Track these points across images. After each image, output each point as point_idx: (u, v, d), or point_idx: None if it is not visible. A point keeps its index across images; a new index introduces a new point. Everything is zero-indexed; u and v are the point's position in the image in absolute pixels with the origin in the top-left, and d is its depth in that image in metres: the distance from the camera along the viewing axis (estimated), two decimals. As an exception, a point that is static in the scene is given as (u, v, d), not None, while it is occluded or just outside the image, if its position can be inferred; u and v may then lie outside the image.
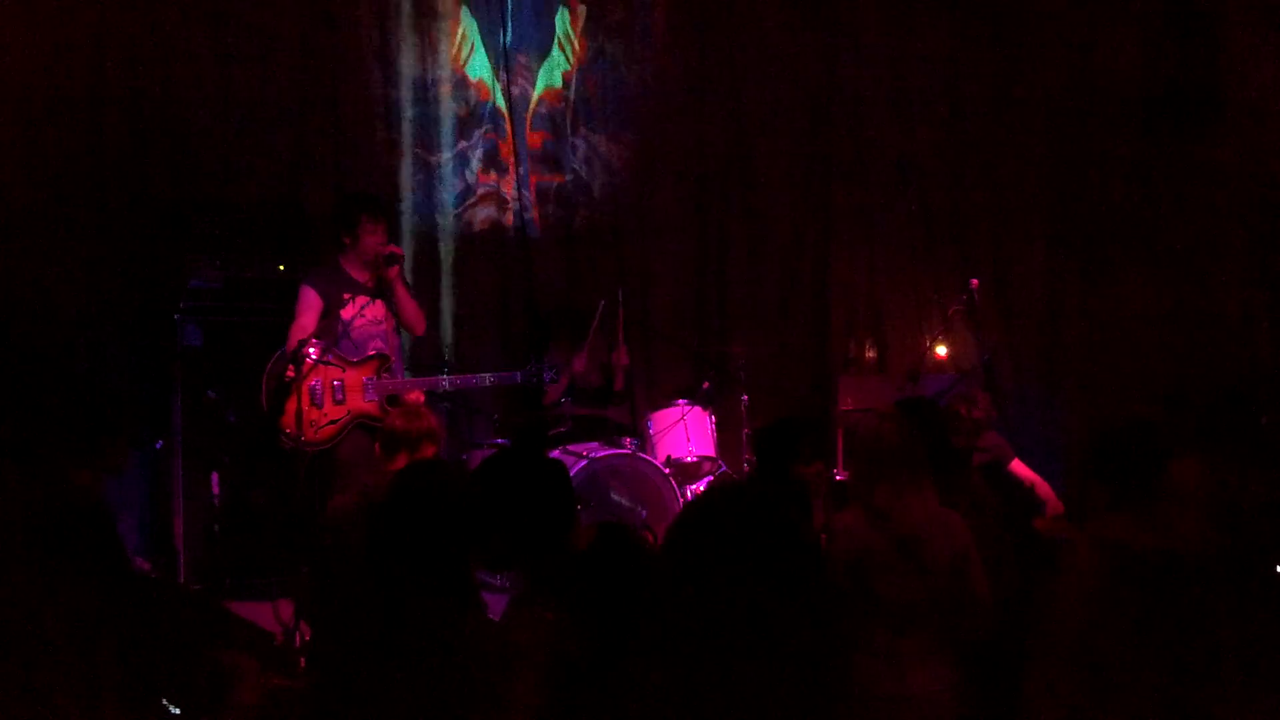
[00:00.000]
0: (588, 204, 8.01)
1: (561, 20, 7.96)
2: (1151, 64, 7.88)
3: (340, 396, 5.62)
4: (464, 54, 7.75)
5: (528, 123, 7.88)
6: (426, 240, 7.63)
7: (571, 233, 7.99)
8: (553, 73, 7.95)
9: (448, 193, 7.72)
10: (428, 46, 7.65)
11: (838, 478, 6.48)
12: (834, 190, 8.26)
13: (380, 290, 5.83)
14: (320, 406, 5.57)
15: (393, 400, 5.64)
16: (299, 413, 5.44)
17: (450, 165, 7.75)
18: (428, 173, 7.67)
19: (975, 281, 7.07)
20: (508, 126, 7.71)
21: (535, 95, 7.89)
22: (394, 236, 6.49)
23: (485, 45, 7.77)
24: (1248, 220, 7.68)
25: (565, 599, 2.78)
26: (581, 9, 8.00)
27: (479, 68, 7.79)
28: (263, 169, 7.18)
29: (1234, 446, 4.08)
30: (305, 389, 5.47)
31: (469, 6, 7.75)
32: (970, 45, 8.21)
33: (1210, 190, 7.72)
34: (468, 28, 7.76)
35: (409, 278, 6.68)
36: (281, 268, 6.52)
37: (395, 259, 5.82)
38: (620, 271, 7.98)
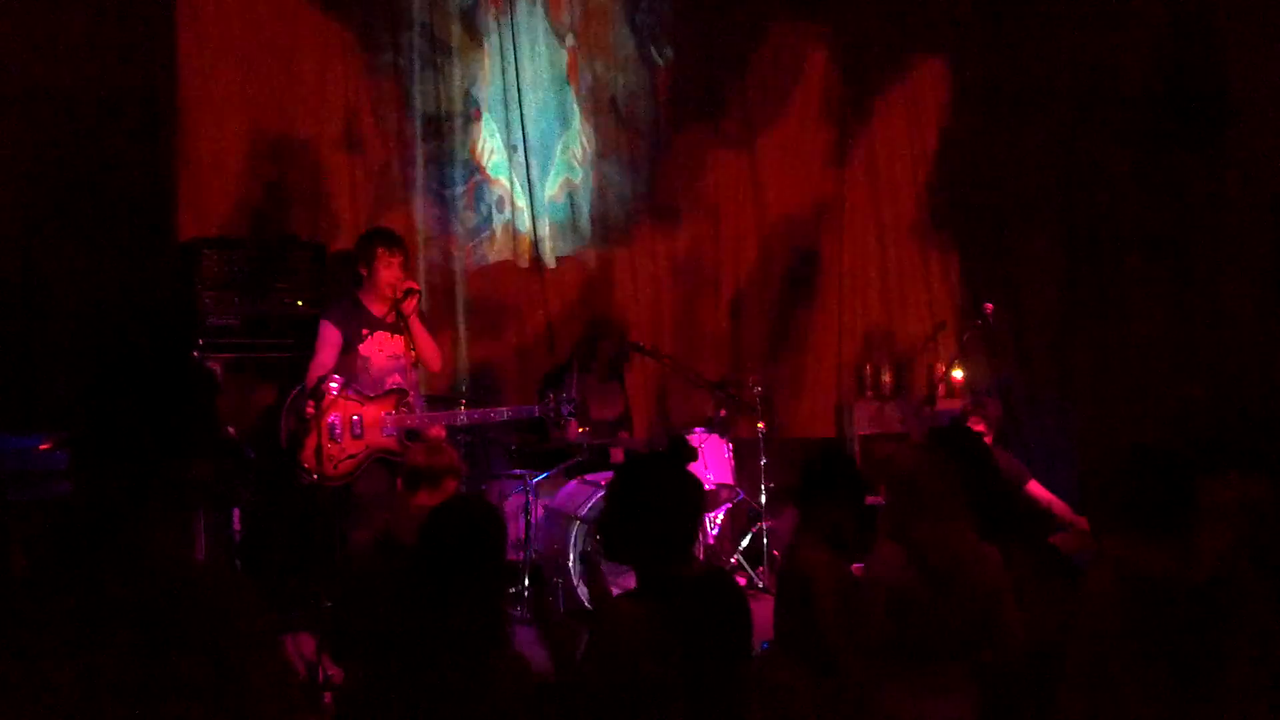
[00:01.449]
0: (602, 234, 8.05)
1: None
2: (1159, 72, 7.87)
3: (359, 432, 5.65)
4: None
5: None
6: (442, 274, 7.67)
7: (586, 263, 8.02)
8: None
9: (462, 226, 7.77)
10: (442, 81, 7.71)
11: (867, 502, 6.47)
12: (847, 214, 8.28)
13: (398, 325, 5.86)
14: (339, 442, 5.60)
15: (411, 435, 5.66)
16: (318, 448, 5.46)
17: (465, 199, 7.79)
18: (442, 206, 7.71)
19: (989, 305, 7.09)
20: (526, 163, 7.78)
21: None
22: (410, 271, 6.53)
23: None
24: (1262, 232, 7.65)
25: (665, 609, 2.82)
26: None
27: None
28: (280, 205, 7.24)
29: (1261, 468, 4.07)
30: (324, 425, 5.50)
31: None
32: (976, 59, 8.23)
33: (1223, 201, 7.69)
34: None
35: (425, 311, 6.71)
36: (300, 304, 6.56)
37: (412, 294, 5.85)
38: (635, 301, 8.03)
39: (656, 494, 2.97)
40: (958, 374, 7.32)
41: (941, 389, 7.35)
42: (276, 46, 7.25)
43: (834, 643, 3.69)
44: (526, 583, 6.81)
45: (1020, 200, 8.17)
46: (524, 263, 7.86)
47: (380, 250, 5.88)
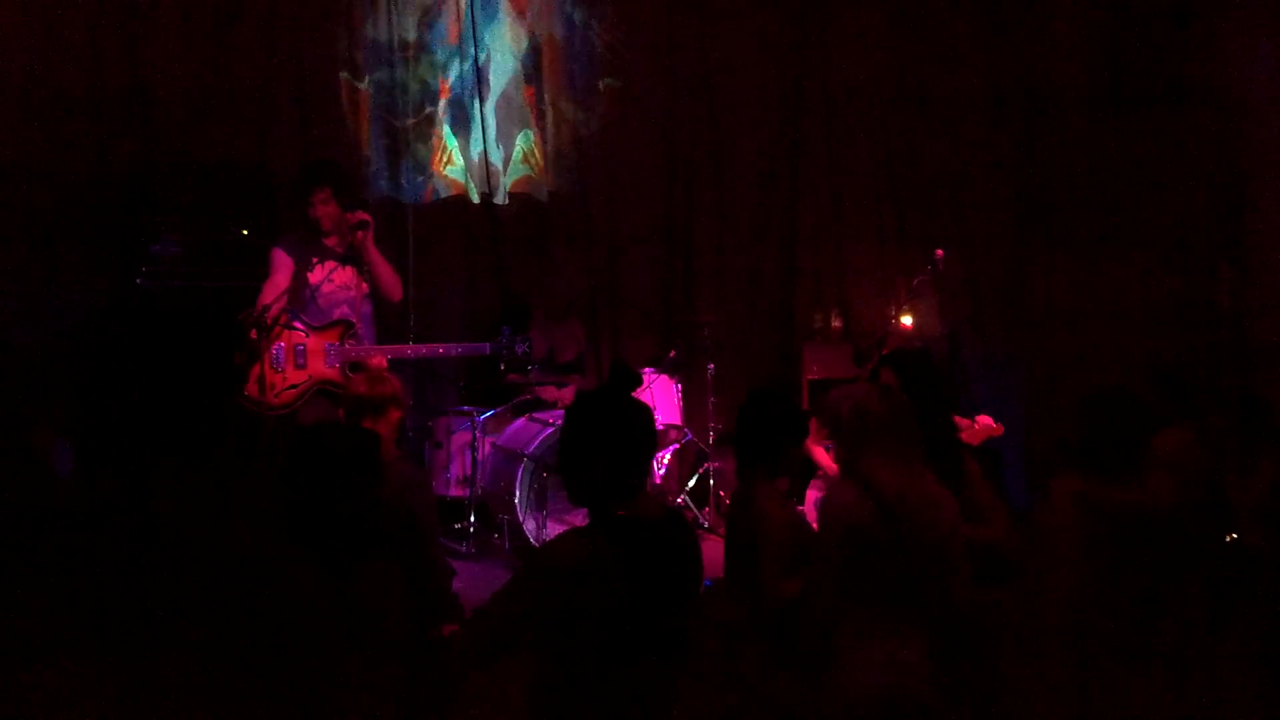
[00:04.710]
0: (555, 172, 7.97)
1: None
2: (1120, 49, 7.89)
3: (302, 361, 5.59)
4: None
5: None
6: (392, 207, 7.59)
7: (538, 201, 7.95)
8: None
9: (414, 159, 7.68)
10: (393, 10, 7.58)
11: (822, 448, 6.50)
12: (801, 160, 8.24)
13: (349, 256, 5.80)
14: (281, 371, 5.54)
15: (355, 366, 5.61)
16: (260, 376, 5.41)
17: (416, 131, 7.70)
18: (393, 138, 7.62)
19: (940, 251, 7.08)
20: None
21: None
22: (360, 202, 6.45)
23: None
24: (1211, 198, 7.73)
25: (610, 548, 2.80)
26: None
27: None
28: (226, 132, 7.12)
29: (1210, 419, 4.17)
30: (267, 354, 5.45)
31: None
32: (937, 23, 8.18)
33: (1174, 169, 7.76)
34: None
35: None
36: (245, 232, 6.47)
37: (364, 225, 5.77)
38: (587, 240, 7.98)
39: (602, 432, 2.90)
40: (907, 319, 7.32)
41: (890, 334, 7.36)
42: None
43: (774, 594, 3.68)
44: (472, 519, 6.81)
45: (978, 155, 8.15)
46: (475, 197, 7.79)
47: (306, 195, 5.81)
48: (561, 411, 6.66)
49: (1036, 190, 8.07)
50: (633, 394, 3.05)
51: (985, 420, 5.61)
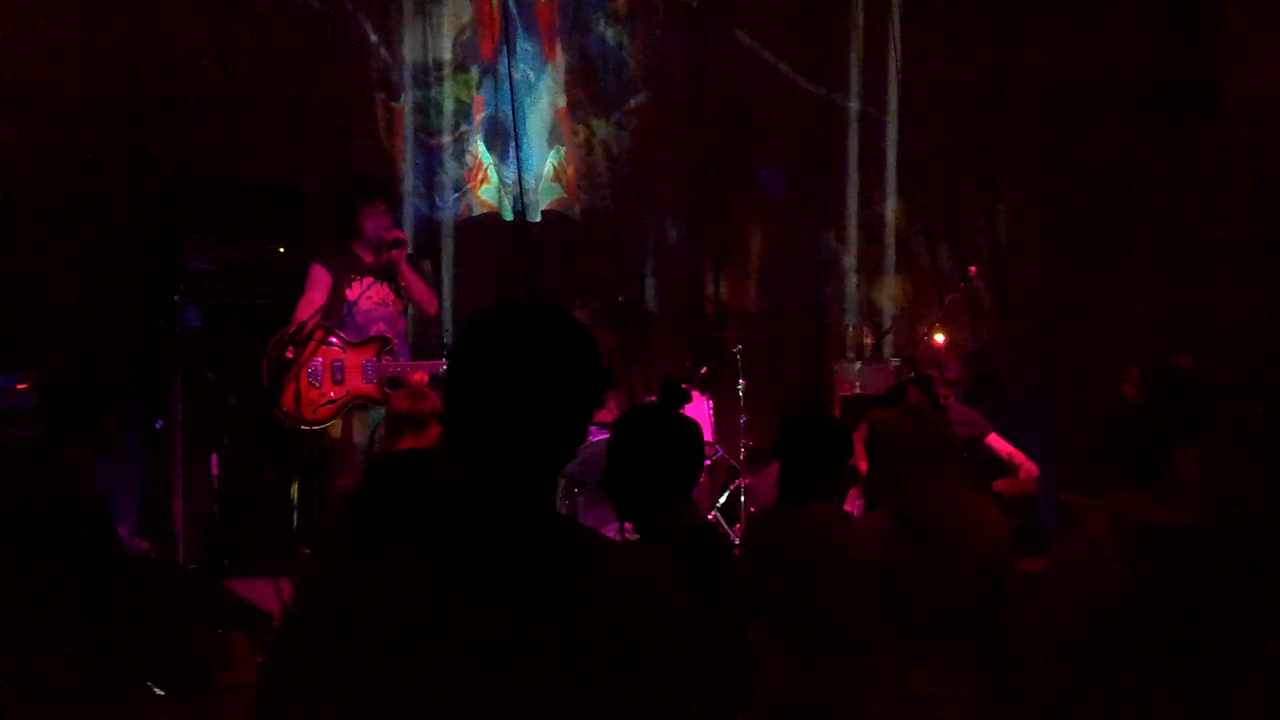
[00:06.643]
0: (588, 189, 8.00)
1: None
2: (1150, 56, 7.89)
3: (340, 377, 5.64)
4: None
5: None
6: (427, 224, 7.64)
7: (570, 218, 7.99)
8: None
9: (448, 176, 7.73)
10: (428, 29, 7.64)
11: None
12: (831, 177, 8.25)
13: (386, 273, 5.84)
14: (319, 387, 5.58)
15: (393, 383, 5.65)
16: (297, 393, 5.46)
17: (451, 149, 7.74)
18: (428, 156, 7.67)
19: (973, 269, 7.08)
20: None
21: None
22: (395, 221, 6.50)
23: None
24: (1246, 214, 7.69)
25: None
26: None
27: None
28: (261, 151, 7.19)
29: (1236, 437, 4.12)
30: (305, 369, 5.49)
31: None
32: (968, 35, 8.19)
33: (1209, 184, 7.73)
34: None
35: (414, 255, 6.68)
36: (281, 250, 6.52)
37: (399, 244, 5.84)
38: (618, 258, 8.00)
39: (657, 444, 2.91)
40: (939, 337, 7.30)
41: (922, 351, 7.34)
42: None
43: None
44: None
45: (1009, 170, 8.14)
46: (508, 215, 7.83)
47: (359, 203, 5.87)
48: (594, 429, 6.67)
49: (1068, 209, 8.06)
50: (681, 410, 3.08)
51: (1032, 470, 5.63)
